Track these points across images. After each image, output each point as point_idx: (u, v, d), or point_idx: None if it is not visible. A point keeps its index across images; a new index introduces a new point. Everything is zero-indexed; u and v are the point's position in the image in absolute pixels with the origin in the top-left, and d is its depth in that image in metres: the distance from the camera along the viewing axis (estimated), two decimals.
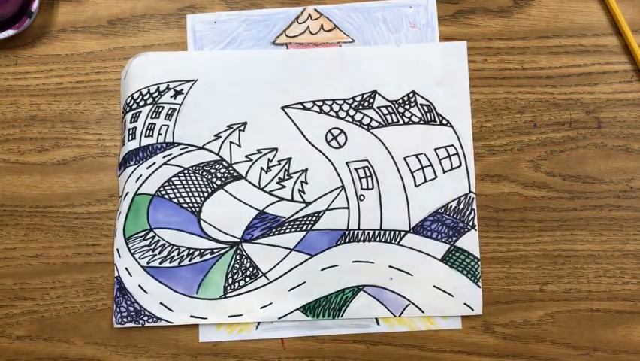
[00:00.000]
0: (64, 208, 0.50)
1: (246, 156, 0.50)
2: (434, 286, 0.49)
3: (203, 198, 0.50)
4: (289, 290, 0.49)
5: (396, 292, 0.49)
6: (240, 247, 0.49)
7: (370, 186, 0.50)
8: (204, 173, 0.50)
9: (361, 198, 0.50)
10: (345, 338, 0.49)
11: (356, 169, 0.50)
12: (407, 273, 0.49)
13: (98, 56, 0.51)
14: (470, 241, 0.49)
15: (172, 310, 0.49)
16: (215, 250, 0.49)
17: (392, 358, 0.49)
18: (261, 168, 0.50)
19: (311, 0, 0.51)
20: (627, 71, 0.50)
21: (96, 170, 0.50)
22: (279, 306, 0.49)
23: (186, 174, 0.50)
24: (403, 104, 0.50)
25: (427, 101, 0.50)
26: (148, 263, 0.49)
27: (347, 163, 0.50)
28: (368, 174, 0.50)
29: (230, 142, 0.50)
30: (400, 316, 0.49)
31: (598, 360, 0.49)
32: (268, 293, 0.49)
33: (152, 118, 0.50)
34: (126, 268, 0.49)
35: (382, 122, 0.50)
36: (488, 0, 0.51)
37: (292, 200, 0.50)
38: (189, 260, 0.49)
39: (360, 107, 0.50)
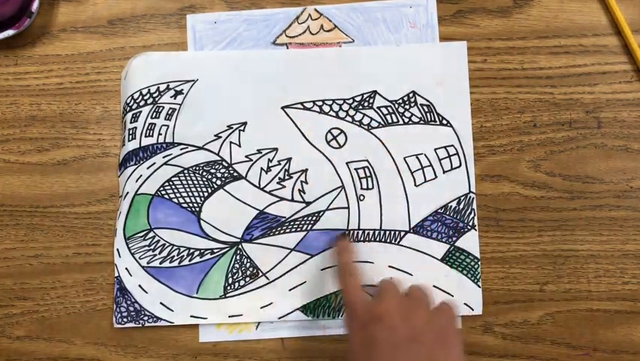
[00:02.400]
0: (64, 208, 0.50)
1: (246, 156, 0.50)
2: (434, 286, 0.49)
3: (203, 198, 0.50)
4: (289, 290, 0.49)
5: None
6: (240, 247, 0.49)
7: (370, 186, 0.50)
8: (204, 173, 0.50)
9: (361, 198, 0.49)
10: (345, 338, 0.49)
11: (356, 169, 0.50)
12: (407, 273, 0.49)
13: (98, 56, 0.51)
14: (470, 241, 0.49)
15: (172, 310, 0.49)
16: (215, 250, 0.49)
17: None
18: (261, 168, 0.50)
19: (311, 0, 0.51)
20: (627, 71, 0.50)
21: (96, 170, 0.50)
22: (279, 306, 0.49)
23: (186, 174, 0.50)
24: (402, 104, 0.50)
25: (427, 101, 0.50)
26: (148, 263, 0.49)
27: (347, 163, 0.50)
28: (368, 174, 0.50)
29: (231, 142, 0.50)
30: None
31: (598, 360, 0.49)
32: (268, 293, 0.49)
33: (152, 118, 0.50)
34: (126, 268, 0.49)
35: (382, 123, 0.50)
36: (488, 0, 0.51)
37: (292, 200, 0.50)
38: (189, 260, 0.49)
39: (360, 107, 0.50)
